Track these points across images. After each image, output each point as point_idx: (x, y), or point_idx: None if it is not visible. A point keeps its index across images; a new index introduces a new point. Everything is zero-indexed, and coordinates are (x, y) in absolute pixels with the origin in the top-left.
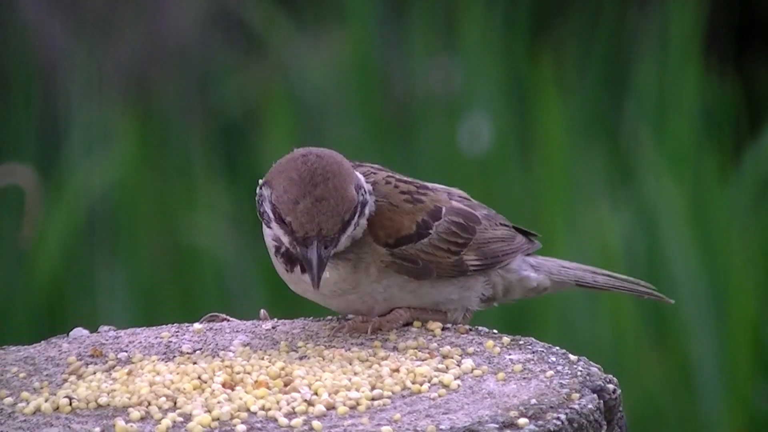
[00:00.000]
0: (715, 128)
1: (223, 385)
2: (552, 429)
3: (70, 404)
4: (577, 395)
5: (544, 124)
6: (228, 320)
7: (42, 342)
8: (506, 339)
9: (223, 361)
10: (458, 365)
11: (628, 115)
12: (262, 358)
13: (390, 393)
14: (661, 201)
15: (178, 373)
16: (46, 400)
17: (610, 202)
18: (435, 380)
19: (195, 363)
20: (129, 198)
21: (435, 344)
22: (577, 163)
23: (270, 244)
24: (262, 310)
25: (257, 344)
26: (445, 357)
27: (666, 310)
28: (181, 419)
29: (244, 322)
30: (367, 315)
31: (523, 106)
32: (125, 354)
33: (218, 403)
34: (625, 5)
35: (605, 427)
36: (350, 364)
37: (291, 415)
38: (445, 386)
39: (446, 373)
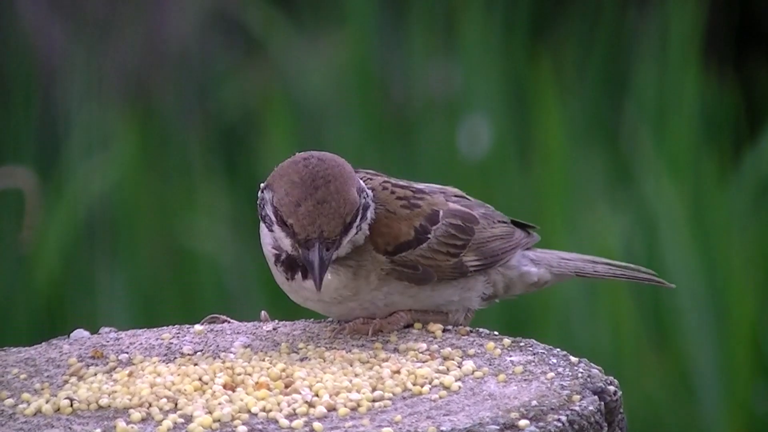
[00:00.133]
0: (715, 130)
1: (224, 386)
2: (553, 430)
3: (71, 405)
4: (578, 397)
5: (544, 126)
6: (229, 322)
7: (43, 343)
8: (507, 341)
9: (224, 362)
10: (459, 367)
11: (628, 117)
12: (263, 360)
13: (391, 394)
14: (660, 203)
15: (179, 375)
16: (47, 402)
17: (610, 204)
18: (436, 382)
19: (196, 364)
20: (128, 200)
21: (436, 346)
22: (577, 165)
23: (269, 253)
24: (263, 312)
25: (258, 346)
26: (446, 359)
27: (665, 311)
28: (182, 420)
29: (245, 323)
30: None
31: (522, 108)
32: (126, 355)
33: (219, 404)
34: (625, 7)
35: (606, 428)
36: (351, 365)
37: (292, 416)
38: (446, 388)
39: (447, 374)
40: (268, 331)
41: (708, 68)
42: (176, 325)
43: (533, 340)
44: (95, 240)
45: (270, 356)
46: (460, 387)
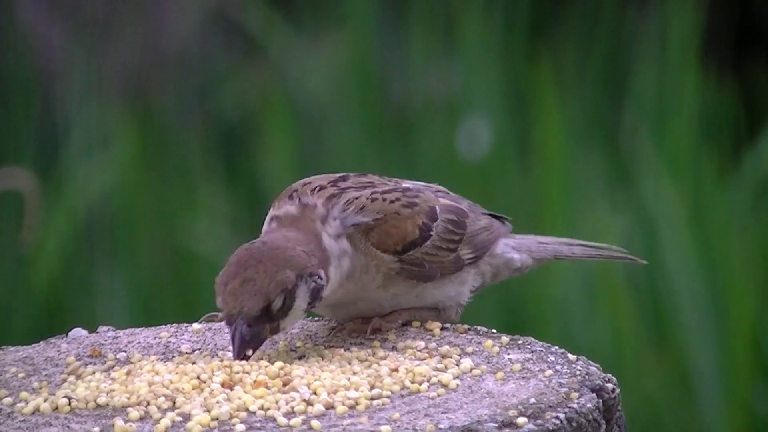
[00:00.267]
0: (714, 130)
1: (222, 384)
2: (551, 428)
3: (69, 404)
4: (576, 394)
5: (544, 126)
6: None
7: (41, 342)
8: (505, 338)
9: (222, 360)
10: (457, 365)
11: (628, 118)
12: (261, 358)
13: (389, 392)
14: (660, 203)
15: (177, 373)
16: (45, 400)
17: (610, 204)
18: (434, 380)
19: (194, 363)
20: (128, 201)
21: (434, 344)
22: (577, 166)
23: None
24: None
25: None
26: (444, 356)
27: (665, 311)
28: (180, 419)
29: None
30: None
31: (522, 109)
32: (124, 354)
33: (217, 402)
34: (624, 8)
35: (604, 426)
36: (349, 363)
37: (290, 414)
38: (444, 386)
39: (445, 372)
40: None
41: (707, 69)
42: (174, 324)
43: (531, 338)
44: (95, 240)
45: (268, 354)
46: (458, 385)
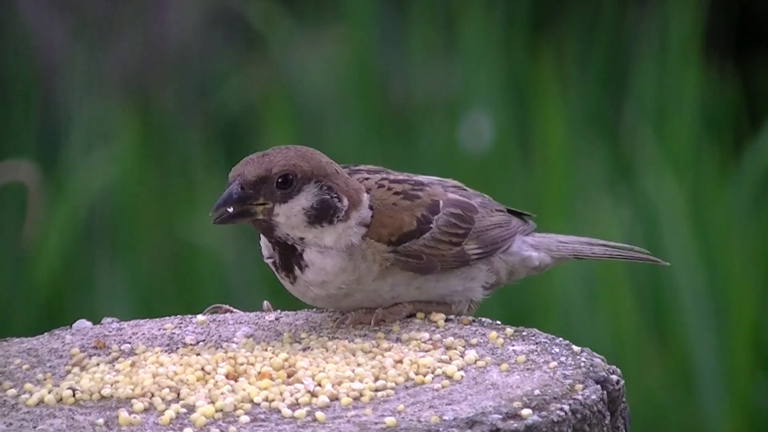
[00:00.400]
0: (715, 126)
1: (227, 376)
2: (555, 420)
3: (74, 396)
4: (581, 386)
5: (545, 122)
6: (231, 312)
7: (45, 334)
8: (509, 330)
9: (226, 352)
10: (462, 356)
11: (629, 113)
12: (266, 350)
13: (393, 384)
14: (661, 199)
15: (181, 365)
16: (49, 392)
17: (611, 200)
18: (438, 371)
19: (198, 354)
20: (129, 196)
21: (438, 335)
22: (578, 161)
23: (268, 262)
24: (265, 302)
25: (260, 335)
26: (448, 348)
27: (666, 307)
28: (184, 410)
29: (248, 313)
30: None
31: (523, 105)
32: (128, 345)
33: (222, 394)
34: (626, 3)
35: (608, 417)
36: (353, 355)
37: (294, 406)
38: (449, 377)
39: (450, 364)
40: (270, 321)
41: (708, 64)
42: (178, 316)
43: (536, 330)
44: (96, 235)
45: (272, 346)
46: (462, 376)
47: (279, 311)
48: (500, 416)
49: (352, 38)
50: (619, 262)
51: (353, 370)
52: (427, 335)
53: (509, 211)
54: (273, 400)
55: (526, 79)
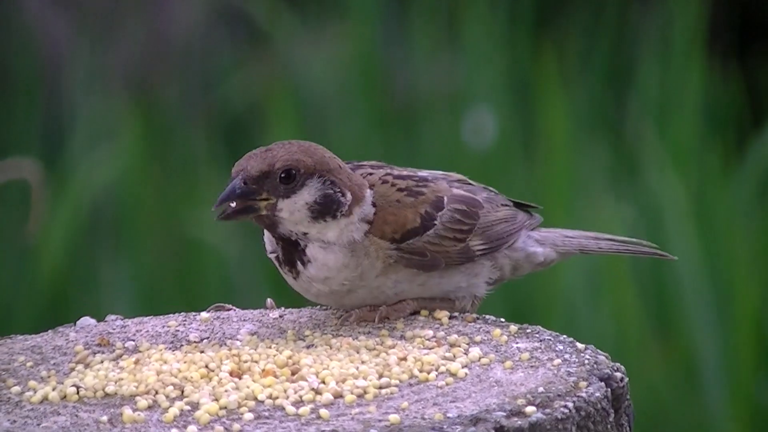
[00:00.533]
0: (718, 123)
1: (231, 373)
2: (559, 417)
3: (78, 393)
4: (585, 383)
5: (548, 118)
6: (234, 310)
7: (49, 331)
8: (513, 328)
9: (230, 349)
10: (466, 354)
11: (632, 110)
12: (270, 347)
13: (397, 381)
14: (664, 195)
15: (185, 362)
16: (53, 389)
17: (614, 196)
18: (442, 369)
19: (202, 352)
20: (132, 192)
21: (442, 333)
22: (581, 158)
23: (272, 257)
24: (269, 300)
25: (264, 333)
26: (452, 345)
27: (670, 302)
28: (188, 408)
29: (251, 311)
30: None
31: (526, 100)
32: (132, 343)
33: (226, 391)
34: (629, 0)
35: (613, 415)
36: (357, 352)
37: (298, 403)
38: (453, 375)
39: (454, 361)
40: (274, 319)
41: (712, 60)
42: (182, 313)
43: (540, 327)
44: (100, 231)
45: (276, 343)
46: (466, 374)
47: (283, 308)
48: (504, 413)
49: (355, 34)
50: (623, 259)
51: (357, 368)
52: (431, 332)
53: (515, 205)
54: (277, 398)
55: (529, 75)
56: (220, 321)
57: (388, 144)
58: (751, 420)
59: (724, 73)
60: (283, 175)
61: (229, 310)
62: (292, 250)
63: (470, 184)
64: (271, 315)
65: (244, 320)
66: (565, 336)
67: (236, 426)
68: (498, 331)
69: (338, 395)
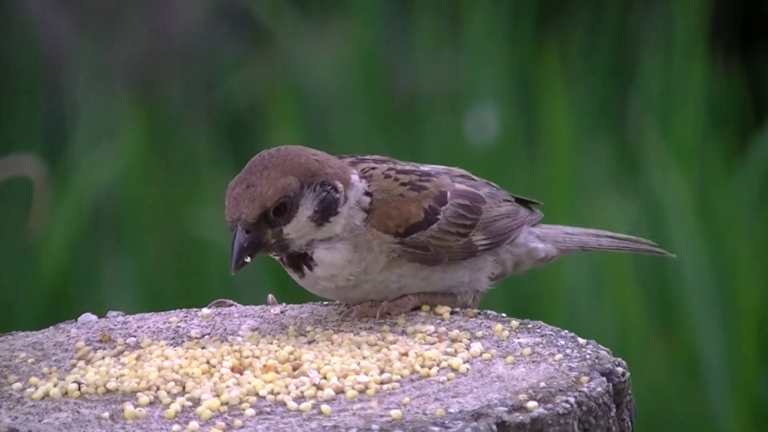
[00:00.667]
0: (721, 120)
1: (232, 369)
2: (561, 412)
3: (79, 389)
4: (586, 378)
5: (551, 115)
6: (235, 306)
7: (50, 327)
8: (515, 323)
9: (231, 345)
10: (467, 349)
11: (634, 107)
12: (271, 343)
13: (399, 377)
14: (667, 192)
15: (186, 358)
16: (54, 386)
17: (617, 193)
18: (444, 364)
19: (204, 348)
20: (135, 190)
21: (444, 328)
22: (583, 155)
23: (276, 258)
24: (270, 295)
25: (266, 329)
26: (453, 341)
27: (672, 299)
28: (189, 404)
29: (253, 307)
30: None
31: (529, 98)
32: (134, 339)
33: (227, 387)
34: None
35: (614, 410)
36: (359, 348)
37: (300, 399)
38: (454, 370)
39: (455, 356)
40: (275, 315)
41: (714, 58)
42: (184, 309)
43: (541, 322)
44: (102, 229)
45: (278, 339)
46: (468, 369)
47: (284, 304)
48: (506, 409)
49: (357, 32)
50: (625, 256)
51: (358, 363)
52: (432, 328)
53: (517, 200)
54: (278, 393)
55: (531, 72)
56: (221, 317)
57: (391, 142)
58: (753, 415)
59: (727, 71)
60: (279, 211)
61: (230, 305)
62: (299, 258)
63: (473, 179)
64: (272, 311)
65: (246, 316)
66: (566, 331)
67: (238, 422)
68: (499, 326)
69: (340, 391)
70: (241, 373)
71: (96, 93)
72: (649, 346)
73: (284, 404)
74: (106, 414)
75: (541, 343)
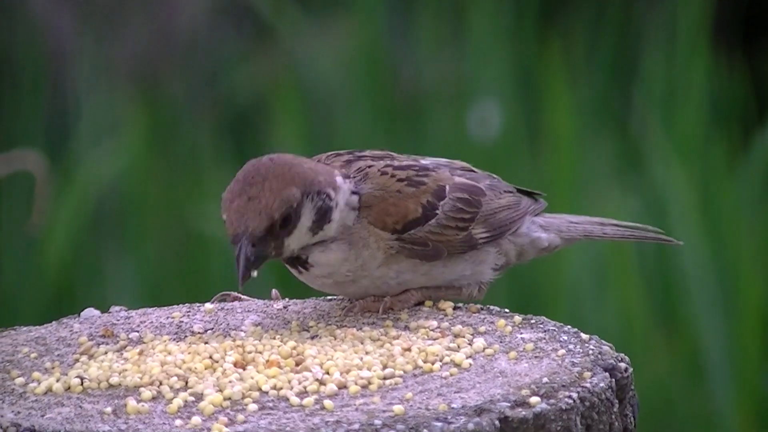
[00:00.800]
0: (724, 116)
1: (235, 364)
2: (564, 408)
3: (82, 384)
4: (589, 374)
5: (553, 111)
6: (240, 299)
7: (53, 322)
8: (518, 318)
9: (234, 340)
10: (470, 344)
11: (637, 103)
12: (274, 338)
13: (401, 372)
14: (670, 188)
15: (189, 353)
16: (57, 380)
17: (619, 189)
18: (447, 359)
19: (206, 343)
20: (137, 186)
21: (447, 323)
22: (586, 151)
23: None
24: (273, 290)
25: (269, 324)
26: (456, 336)
27: (675, 295)
28: (192, 399)
29: (256, 301)
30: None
31: (532, 94)
32: (136, 334)
33: (230, 382)
34: None
35: (617, 405)
36: (362, 343)
37: (302, 394)
38: (457, 365)
39: (458, 352)
40: (278, 310)
41: (717, 53)
42: (186, 304)
43: (544, 318)
44: (104, 225)
45: (281, 334)
46: (470, 364)
47: (287, 299)
48: (509, 404)
49: (361, 27)
50: (629, 250)
51: (361, 359)
52: (435, 323)
53: (519, 191)
54: (281, 389)
55: (534, 67)
56: (224, 312)
57: (394, 137)
58: (756, 411)
59: (730, 66)
60: (285, 223)
61: (234, 299)
62: (294, 261)
63: (474, 171)
64: (275, 306)
65: (249, 311)
66: (569, 326)
67: (240, 417)
68: (502, 321)
69: (342, 386)
70: (244, 369)
71: (99, 88)
72: (652, 341)
73: (287, 399)
74: (109, 409)
75: (544, 339)
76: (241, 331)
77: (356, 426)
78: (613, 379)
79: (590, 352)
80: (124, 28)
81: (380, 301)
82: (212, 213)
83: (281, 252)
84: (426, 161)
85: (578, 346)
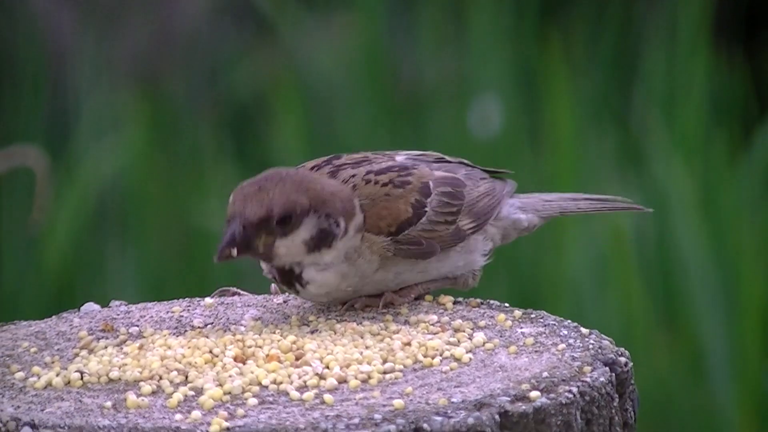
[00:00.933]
0: (725, 112)
1: (235, 359)
2: (564, 402)
3: (81, 379)
4: (589, 368)
5: (554, 108)
6: (239, 294)
7: (53, 317)
8: (518, 312)
9: (234, 335)
10: (470, 339)
11: (638, 99)
12: (274, 332)
13: (401, 366)
14: (670, 185)
15: (189, 348)
16: (57, 375)
17: (620, 185)
18: (447, 354)
19: (206, 337)
20: (138, 182)
21: (447, 318)
22: (587, 147)
23: (269, 277)
24: (273, 285)
25: (268, 318)
26: (456, 330)
27: (676, 292)
28: (192, 393)
29: (256, 296)
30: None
31: (532, 90)
32: (136, 328)
33: (230, 377)
34: None
35: (617, 399)
36: (362, 337)
37: (302, 388)
38: (457, 360)
39: (458, 346)
40: (278, 304)
41: (718, 50)
42: (187, 299)
43: (544, 312)
44: (106, 221)
45: (280, 329)
46: (470, 359)
47: (287, 294)
48: (508, 398)
49: (361, 24)
50: (630, 247)
51: (361, 353)
52: (435, 318)
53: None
54: (281, 383)
55: (535, 64)
56: (224, 306)
57: (395, 134)
58: (757, 407)
59: (730, 63)
60: (280, 220)
61: (234, 293)
62: (289, 276)
63: (447, 161)
64: (275, 300)
65: (249, 306)
66: (569, 321)
67: (240, 411)
68: (502, 316)
69: (342, 380)
70: (244, 363)
71: (100, 86)
72: (653, 337)
73: (287, 394)
74: (109, 403)
75: (544, 333)
76: (241, 325)
77: (356, 420)
78: (613, 374)
79: (590, 346)
80: (124, 26)
81: (380, 296)
82: (213, 209)
83: (270, 254)
84: (401, 157)
85: (578, 341)
